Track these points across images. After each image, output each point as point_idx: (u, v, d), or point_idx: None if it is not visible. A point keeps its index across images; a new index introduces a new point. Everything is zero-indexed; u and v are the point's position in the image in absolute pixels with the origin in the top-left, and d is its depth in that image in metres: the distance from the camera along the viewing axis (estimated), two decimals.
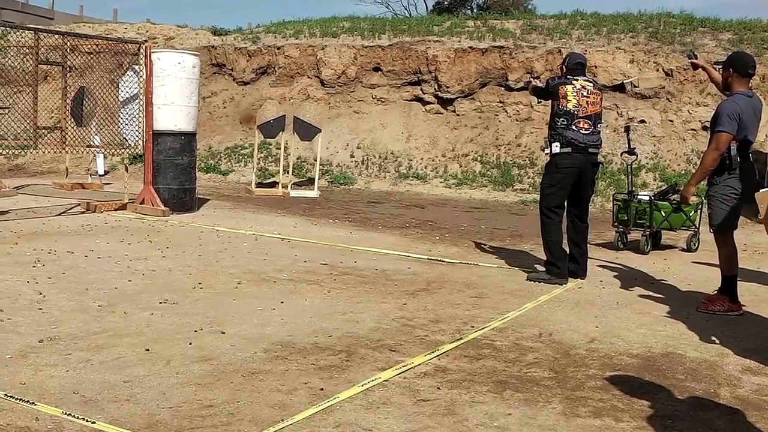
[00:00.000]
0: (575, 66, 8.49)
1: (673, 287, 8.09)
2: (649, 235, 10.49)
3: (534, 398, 4.61)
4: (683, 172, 15.99)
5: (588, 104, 8.27)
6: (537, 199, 8.84)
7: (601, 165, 9.17)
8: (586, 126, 8.21)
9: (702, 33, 19.29)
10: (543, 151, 8.67)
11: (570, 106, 8.16)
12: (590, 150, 8.26)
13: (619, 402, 4.59)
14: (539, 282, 8.12)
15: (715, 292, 7.17)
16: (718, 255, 7.04)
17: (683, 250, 10.69)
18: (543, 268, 8.46)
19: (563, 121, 8.14)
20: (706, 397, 4.77)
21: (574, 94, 8.20)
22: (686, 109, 17.40)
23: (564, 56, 9.22)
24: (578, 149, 8.16)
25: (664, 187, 12.85)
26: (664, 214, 10.50)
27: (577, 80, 8.32)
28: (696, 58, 7.73)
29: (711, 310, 6.91)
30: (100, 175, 17.16)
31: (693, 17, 20.57)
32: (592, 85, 8.46)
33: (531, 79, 9.75)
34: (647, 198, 10.71)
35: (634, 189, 11.30)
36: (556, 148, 8.15)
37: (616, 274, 8.83)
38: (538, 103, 18.42)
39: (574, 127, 8.14)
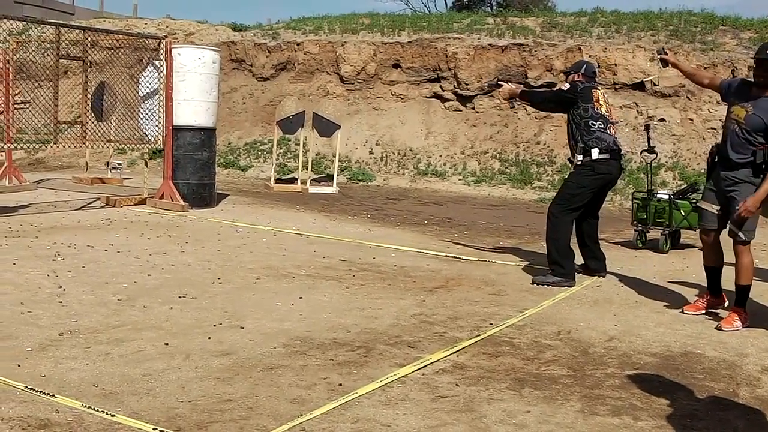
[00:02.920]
0: (593, 75, 8.47)
1: (692, 286, 8.04)
2: (668, 234, 10.45)
3: (552, 396, 4.60)
4: (703, 171, 15.85)
5: (611, 110, 8.31)
6: None
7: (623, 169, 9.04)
8: (613, 131, 8.21)
9: (723, 31, 19.20)
10: (571, 161, 8.29)
11: (603, 110, 8.10)
12: (621, 155, 8.30)
13: (637, 401, 4.58)
14: (546, 285, 7.85)
15: (703, 299, 6.96)
16: (738, 263, 6.51)
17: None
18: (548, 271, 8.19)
19: (600, 124, 8.01)
20: (725, 397, 4.75)
21: (603, 99, 8.20)
22: (706, 107, 17.33)
23: (574, 63, 9.04)
24: (614, 155, 8.10)
25: (683, 186, 12.80)
26: (683, 213, 10.45)
27: (598, 86, 8.37)
28: (666, 54, 7.39)
29: (736, 326, 6.42)
30: (116, 167, 17.07)
31: (714, 15, 20.47)
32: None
33: (497, 79, 9.35)
34: (667, 197, 10.67)
35: (653, 188, 11.26)
36: (595, 153, 7.92)
37: (635, 272, 8.79)
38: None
39: (608, 132, 8.07)
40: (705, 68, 17.03)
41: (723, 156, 6.61)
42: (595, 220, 8.54)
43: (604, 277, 8.39)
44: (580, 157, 8.04)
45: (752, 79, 6.58)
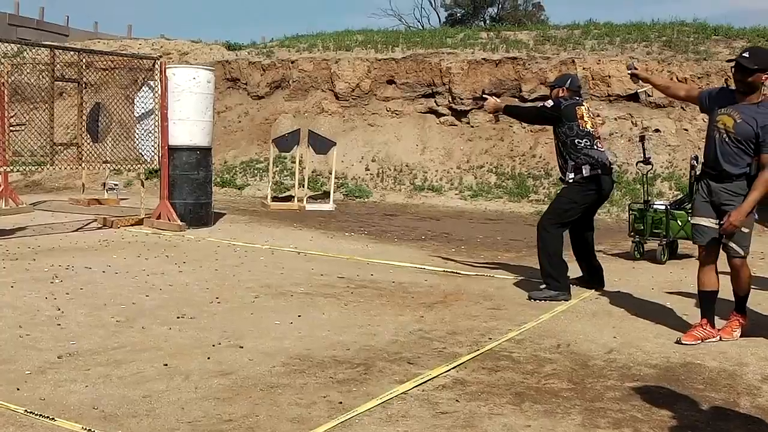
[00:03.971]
0: (578, 89, 8.33)
1: (691, 296, 8.01)
2: (665, 244, 10.45)
3: (553, 410, 4.59)
4: None
5: (596, 125, 8.19)
6: None
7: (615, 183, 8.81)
8: (601, 146, 8.08)
9: (715, 41, 19.27)
10: (563, 179, 8.13)
11: (588, 126, 7.94)
12: (612, 170, 8.14)
13: (638, 413, 4.58)
14: (541, 300, 7.72)
15: (701, 328, 6.35)
16: (738, 277, 6.28)
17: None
18: (543, 286, 8.01)
19: (586, 142, 7.86)
20: (725, 407, 4.75)
21: (588, 115, 8.04)
22: (701, 117, 17.31)
23: (559, 77, 8.86)
24: (606, 170, 7.96)
25: (679, 196, 12.81)
26: (680, 223, 10.45)
27: (583, 102, 8.24)
28: (636, 69, 7.21)
29: (735, 336, 6.29)
30: (113, 188, 17.07)
31: (706, 25, 20.57)
32: (588, 106, 8.38)
33: (484, 94, 9.05)
34: (663, 207, 10.68)
35: (649, 198, 11.28)
36: (587, 170, 7.78)
37: (633, 284, 8.79)
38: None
39: (596, 147, 7.92)
40: (698, 78, 17.09)
41: (714, 168, 6.26)
42: (590, 232, 8.43)
43: (601, 289, 8.32)
44: (571, 175, 7.91)
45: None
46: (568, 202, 7.98)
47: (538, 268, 8.10)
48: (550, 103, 8.13)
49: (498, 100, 8.77)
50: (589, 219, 8.33)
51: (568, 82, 8.28)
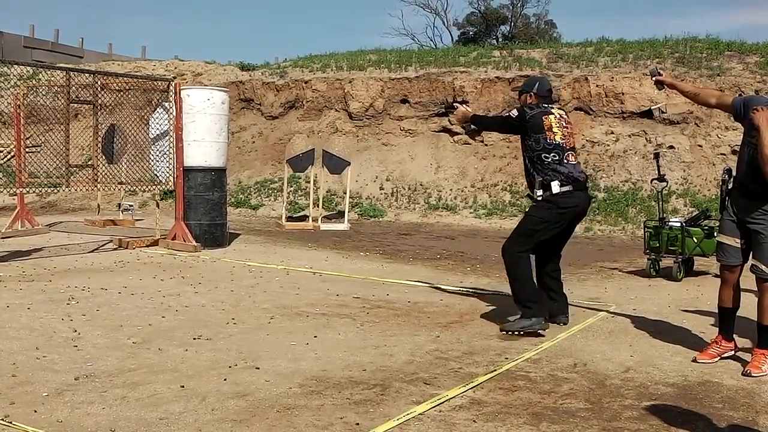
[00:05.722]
0: (548, 93, 7.58)
1: (707, 314, 8.00)
2: (681, 261, 10.42)
3: (570, 430, 4.58)
4: (714, 197, 15.87)
5: (569, 135, 7.38)
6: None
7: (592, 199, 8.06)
8: (573, 159, 7.33)
9: (728, 56, 19.26)
10: (531, 197, 7.44)
11: (558, 138, 7.19)
12: (586, 185, 7.50)
13: None
14: (516, 333, 7.00)
15: (716, 345, 6.31)
16: (763, 302, 5.93)
17: (716, 276, 10.55)
18: (516, 316, 7.24)
19: (555, 156, 7.14)
20: (745, 425, 4.72)
21: (558, 125, 7.26)
22: (715, 133, 17.34)
23: (527, 81, 8.01)
24: (579, 186, 7.25)
25: (695, 213, 12.77)
26: (696, 241, 10.42)
27: (553, 108, 7.47)
28: (660, 75, 6.74)
29: (765, 370, 5.90)
30: (128, 209, 17.13)
31: (719, 41, 20.57)
32: (563, 112, 7.62)
33: (455, 102, 8.58)
34: (678, 224, 10.65)
35: (664, 215, 11.24)
36: (556, 187, 7.08)
37: (649, 301, 8.76)
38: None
39: (566, 161, 7.20)
40: None
41: (744, 183, 6.01)
42: (558, 258, 7.71)
43: (566, 323, 7.51)
44: (540, 192, 7.20)
45: None
46: (539, 221, 7.24)
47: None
48: (515, 112, 7.44)
49: (468, 109, 8.18)
50: (558, 244, 7.65)
51: (536, 86, 7.54)
